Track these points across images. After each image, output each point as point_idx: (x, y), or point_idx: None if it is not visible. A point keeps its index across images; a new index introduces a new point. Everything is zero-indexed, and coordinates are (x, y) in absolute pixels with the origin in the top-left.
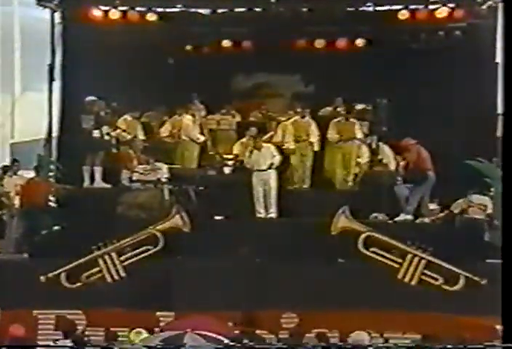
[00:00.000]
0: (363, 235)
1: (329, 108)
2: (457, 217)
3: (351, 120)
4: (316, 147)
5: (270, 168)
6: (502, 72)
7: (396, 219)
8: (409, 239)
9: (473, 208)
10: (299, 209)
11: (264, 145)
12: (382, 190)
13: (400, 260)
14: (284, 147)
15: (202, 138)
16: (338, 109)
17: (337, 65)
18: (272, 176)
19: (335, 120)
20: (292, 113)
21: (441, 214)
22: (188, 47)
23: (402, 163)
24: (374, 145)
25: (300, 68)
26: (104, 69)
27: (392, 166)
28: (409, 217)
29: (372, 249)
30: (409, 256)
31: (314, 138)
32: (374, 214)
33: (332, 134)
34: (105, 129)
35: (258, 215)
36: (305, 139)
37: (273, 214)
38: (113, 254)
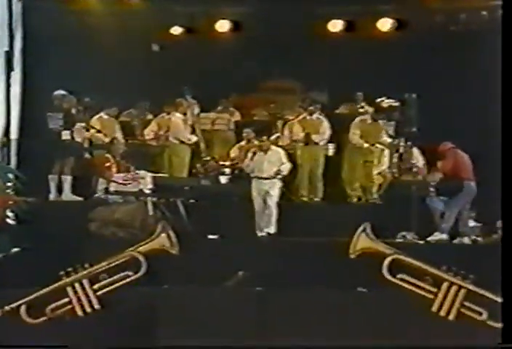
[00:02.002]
0: (388, 259)
1: (348, 105)
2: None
3: (378, 120)
4: (330, 152)
5: (274, 176)
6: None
7: (429, 239)
8: (446, 264)
9: None
10: (309, 226)
11: (273, 147)
12: (411, 203)
13: (434, 289)
14: (291, 151)
15: (194, 140)
16: (359, 106)
17: (358, 51)
18: (275, 186)
19: (358, 119)
20: (300, 110)
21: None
22: (177, 31)
23: (436, 171)
24: (401, 150)
25: (313, 56)
26: (75, 57)
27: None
28: (445, 236)
29: (399, 276)
30: (446, 284)
31: (325, 139)
32: (402, 233)
33: (355, 137)
34: (77, 129)
35: (259, 234)
36: (315, 141)
37: (271, 229)
38: (85, 282)
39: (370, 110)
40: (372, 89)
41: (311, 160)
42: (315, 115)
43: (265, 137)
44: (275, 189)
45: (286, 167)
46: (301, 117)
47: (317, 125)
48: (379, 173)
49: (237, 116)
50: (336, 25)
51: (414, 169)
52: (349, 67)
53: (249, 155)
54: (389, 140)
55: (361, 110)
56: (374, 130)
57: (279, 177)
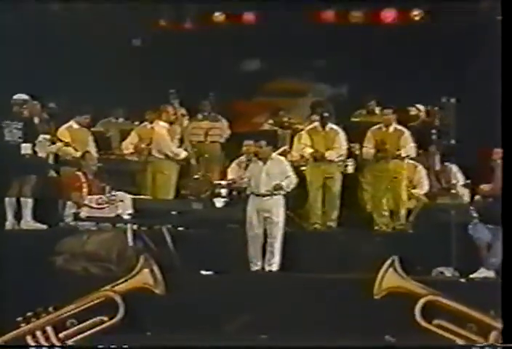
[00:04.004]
0: (422, 301)
1: (374, 110)
2: None
3: (398, 128)
4: (349, 169)
5: (276, 193)
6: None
7: (473, 276)
8: (494, 307)
9: None
10: (323, 259)
11: (274, 156)
12: (450, 232)
13: (480, 339)
14: (303, 167)
15: (183, 155)
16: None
17: (382, 47)
18: (278, 205)
19: (374, 128)
20: (313, 118)
21: None
22: (163, 23)
23: (481, 192)
24: (437, 166)
25: (327, 52)
26: (39, 54)
27: (465, 197)
28: (493, 273)
29: (435, 322)
30: (494, 333)
31: (341, 155)
32: (439, 269)
33: (367, 149)
34: (40, 141)
35: (254, 267)
36: (329, 158)
37: (274, 266)
38: (49, 329)
39: (393, 116)
40: (400, 91)
41: (325, 178)
42: (328, 125)
43: (263, 142)
44: (278, 210)
45: (292, 181)
46: (310, 127)
47: (331, 137)
48: (413, 193)
49: (236, 125)
50: (356, 15)
51: (453, 191)
52: (373, 65)
53: (242, 165)
54: (411, 152)
55: (387, 116)
56: (394, 140)
57: (282, 192)
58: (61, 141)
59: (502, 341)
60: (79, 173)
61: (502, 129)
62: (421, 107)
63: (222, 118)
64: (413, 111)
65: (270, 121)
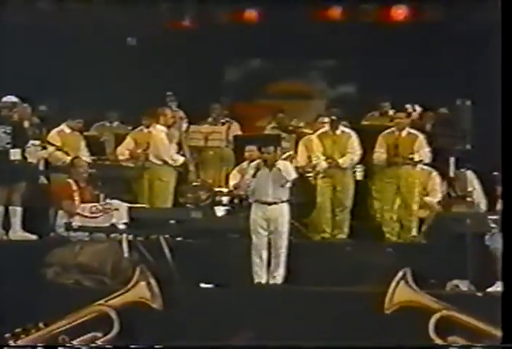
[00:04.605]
0: (436, 316)
1: (388, 112)
2: None
3: (412, 131)
4: (358, 175)
5: (282, 200)
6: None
7: (490, 290)
8: None
9: None
10: (331, 271)
11: (280, 162)
12: (465, 243)
13: None
14: (309, 174)
15: (181, 160)
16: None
17: (392, 46)
18: (283, 214)
19: (386, 132)
20: (321, 122)
21: None
22: (160, 21)
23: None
24: (452, 173)
25: (335, 52)
26: (28, 54)
27: (482, 206)
28: None
29: (451, 339)
30: None
31: (355, 160)
32: (454, 282)
33: (378, 154)
34: (30, 146)
35: (257, 280)
36: (343, 166)
37: (278, 278)
38: (39, 346)
39: (406, 120)
40: (411, 94)
41: (337, 186)
42: (339, 129)
43: (271, 148)
44: (284, 219)
45: (291, 176)
46: (321, 131)
47: (343, 142)
48: (426, 201)
49: (237, 130)
50: (366, 13)
51: (469, 199)
52: (382, 65)
53: (251, 171)
54: (428, 159)
55: (402, 120)
56: (407, 144)
57: (287, 198)
58: (52, 145)
59: (502, 341)
60: (70, 180)
61: (502, 129)
62: (418, 107)
63: (233, 121)
64: (408, 109)
65: (273, 125)
